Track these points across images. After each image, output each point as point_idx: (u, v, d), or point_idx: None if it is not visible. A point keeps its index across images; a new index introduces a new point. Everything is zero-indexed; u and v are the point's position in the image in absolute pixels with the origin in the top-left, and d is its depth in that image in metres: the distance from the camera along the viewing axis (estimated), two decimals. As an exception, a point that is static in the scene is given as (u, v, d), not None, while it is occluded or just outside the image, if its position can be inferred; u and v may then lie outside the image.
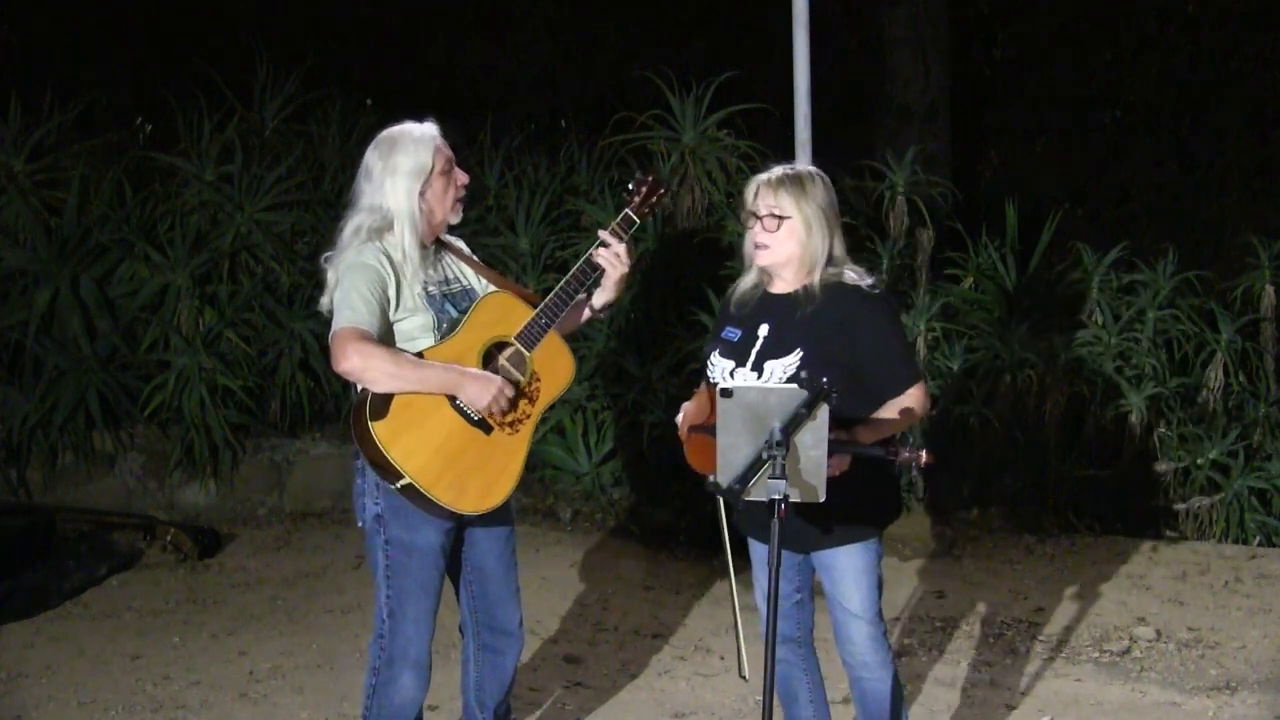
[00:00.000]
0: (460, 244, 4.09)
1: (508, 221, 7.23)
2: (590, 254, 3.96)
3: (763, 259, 3.78)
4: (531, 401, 3.87)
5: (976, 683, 5.16)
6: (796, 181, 3.76)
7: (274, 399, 7.08)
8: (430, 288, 3.85)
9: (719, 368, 3.77)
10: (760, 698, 3.44)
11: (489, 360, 3.83)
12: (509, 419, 3.83)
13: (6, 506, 6.66)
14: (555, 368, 3.92)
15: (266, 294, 7.09)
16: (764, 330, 3.76)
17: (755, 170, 6.87)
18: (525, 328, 3.87)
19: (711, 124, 7.06)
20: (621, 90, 9.08)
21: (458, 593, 4.10)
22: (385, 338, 3.76)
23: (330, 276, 3.82)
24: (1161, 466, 6.94)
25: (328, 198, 7.26)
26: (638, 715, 4.90)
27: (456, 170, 3.91)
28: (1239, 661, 5.33)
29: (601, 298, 4.09)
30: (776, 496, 3.19)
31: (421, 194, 3.82)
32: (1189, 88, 10.70)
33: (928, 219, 7.05)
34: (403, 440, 3.70)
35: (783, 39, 5.95)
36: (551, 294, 3.92)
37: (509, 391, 3.79)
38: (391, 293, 3.77)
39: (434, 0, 10.98)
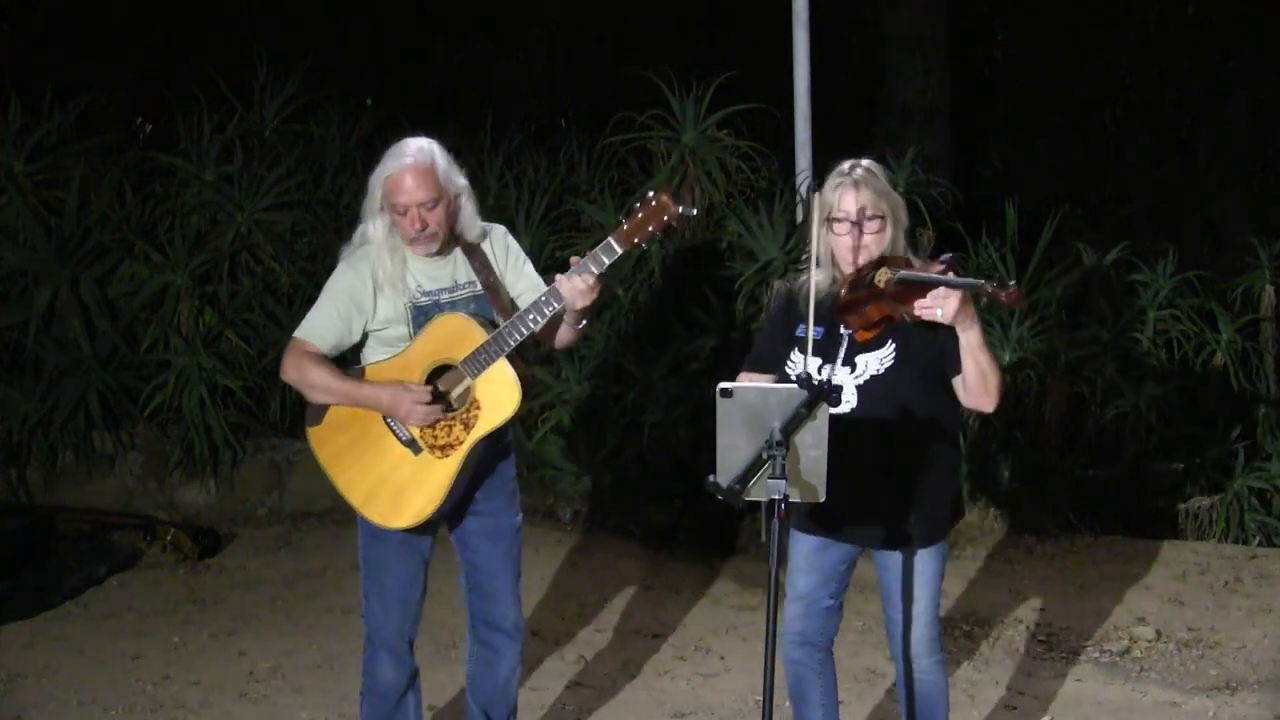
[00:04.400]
0: (487, 249, 3.96)
1: (508, 221, 7.20)
2: (554, 284, 3.75)
3: (864, 259, 3.69)
4: (467, 429, 3.80)
5: (977, 683, 5.16)
6: (878, 177, 3.72)
7: (274, 399, 7.07)
8: (421, 298, 3.84)
9: (800, 364, 3.70)
10: (760, 698, 3.43)
11: (432, 381, 3.81)
12: (440, 443, 3.80)
13: (6, 506, 6.65)
14: (499, 399, 3.80)
15: (266, 294, 7.08)
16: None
17: (755, 170, 6.98)
18: (472, 354, 3.77)
19: (711, 124, 7.05)
20: (621, 90, 9.08)
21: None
22: (351, 350, 3.88)
23: None
24: (1161, 467, 6.94)
25: (328, 198, 7.26)
26: (638, 715, 4.89)
27: (409, 215, 3.75)
28: (1239, 661, 5.33)
29: (571, 317, 3.88)
30: (776, 496, 3.19)
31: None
32: (1189, 88, 10.71)
33: (928, 219, 7.04)
34: (330, 447, 3.86)
35: (783, 39, 5.97)
36: (505, 324, 3.78)
37: (424, 398, 3.75)
38: (369, 305, 3.82)
39: (434, 1, 10.99)
